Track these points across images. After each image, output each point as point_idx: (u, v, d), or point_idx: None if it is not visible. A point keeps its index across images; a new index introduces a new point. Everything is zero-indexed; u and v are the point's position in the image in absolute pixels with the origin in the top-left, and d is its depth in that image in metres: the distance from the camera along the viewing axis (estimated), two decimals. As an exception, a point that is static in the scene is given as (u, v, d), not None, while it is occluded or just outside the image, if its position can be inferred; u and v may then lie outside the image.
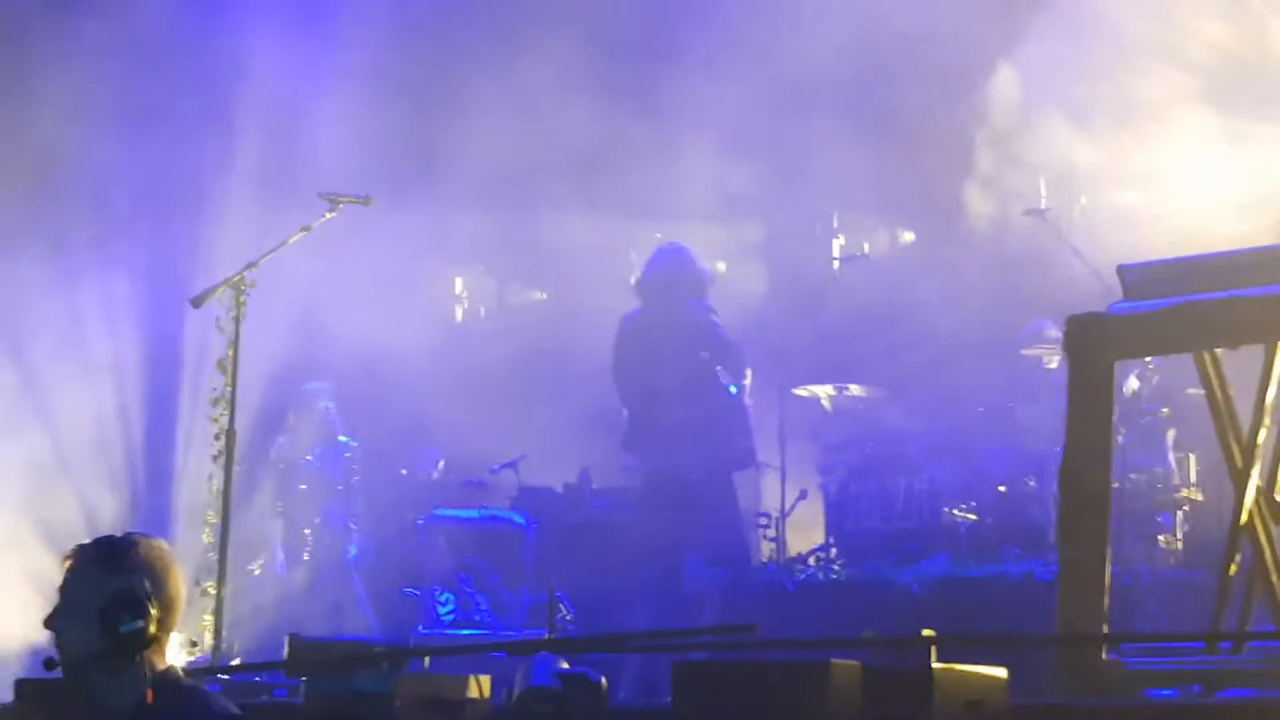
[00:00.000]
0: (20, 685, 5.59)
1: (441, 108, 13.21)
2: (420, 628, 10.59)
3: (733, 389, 10.07)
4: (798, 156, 13.08)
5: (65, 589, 3.93)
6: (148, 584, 3.88)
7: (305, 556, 10.92)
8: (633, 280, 10.56)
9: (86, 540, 4.02)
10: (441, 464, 13.25)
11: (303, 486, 10.99)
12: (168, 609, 3.92)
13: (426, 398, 13.20)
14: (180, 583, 4.00)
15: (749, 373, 10.33)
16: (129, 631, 3.83)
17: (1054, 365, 11.10)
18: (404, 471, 13.22)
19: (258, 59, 12.36)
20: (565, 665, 4.72)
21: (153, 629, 3.86)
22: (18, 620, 9.46)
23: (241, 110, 12.41)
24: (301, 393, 11.28)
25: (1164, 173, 11.85)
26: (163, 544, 4.01)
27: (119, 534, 4.02)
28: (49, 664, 3.90)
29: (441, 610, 10.79)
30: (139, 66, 12.31)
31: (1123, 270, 5.67)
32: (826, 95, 12.28)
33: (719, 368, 10.01)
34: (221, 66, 12.51)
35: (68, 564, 3.95)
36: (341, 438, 11.25)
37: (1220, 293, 5.34)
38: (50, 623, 3.91)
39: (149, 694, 3.85)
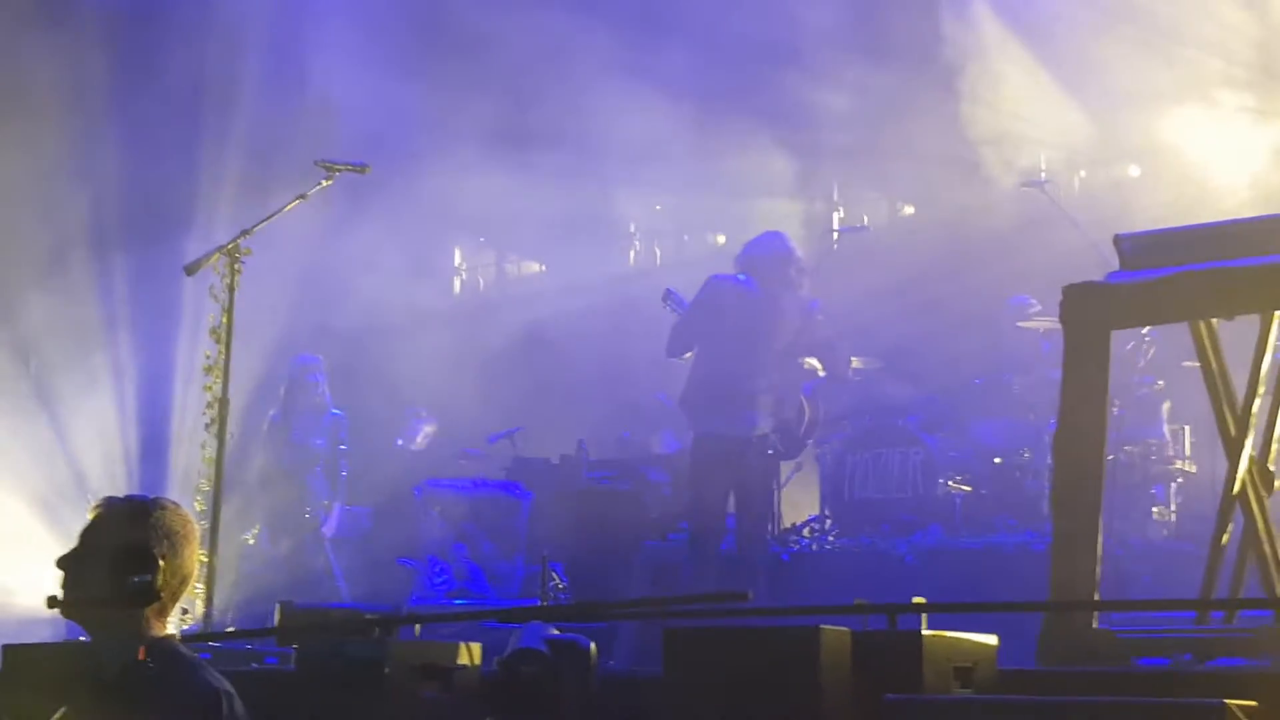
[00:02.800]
0: (8, 652, 5.57)
1: (440, 76, 13.17)
2: (414, 596, 10.59)
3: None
4: (794, 128, 13.05)
5: (85, 534, 4.00)
6: (165, 546, 3.95)
7: (290, 528, 10.91)
8: (729, 254, 10.36)
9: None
10: (424, 431, 13.25)
11: (291, 458, 10.97)
12: (177, 575, 3.98)
13: (423, 369, 13.20)
14: (195, 556, 4.08)
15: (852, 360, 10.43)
16: (137, 583, 3.89)
17: (1043, 332, 11.11)
18: (400, 442, 13.22)
19: (255, 24, 12.32)
20: (556, 632, 4.72)
21: (159, 587, 3.92)
22: (8, 586, 9.48)
23: (238, 76, 12.38)
24: (292, 365, 11.24)
25: (1165, 146, 11.86)
26: (188, 516, 4.10)
27: (148, 496, 4.11)
28: (51, 601, 3.97)
29: (436, 579, 10.79)
30: (134, 31, 12.28)
31: (1119, 240, 5.65)
32: (824, 65, 12.24)
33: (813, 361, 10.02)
34: (219, 32, 12.47)
35: (94, 512, 4.02)
36: (334, 410, 11.23)
37: (1216, 262, 5.32)
38: (63, 562, 3.98)
39: (141, 651, 3.89)
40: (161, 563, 3.93)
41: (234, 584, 9.83)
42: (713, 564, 9.16)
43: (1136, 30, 11.37)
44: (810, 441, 10.10)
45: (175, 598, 4.02)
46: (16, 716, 4.34)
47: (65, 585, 3.98)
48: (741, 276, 9.52)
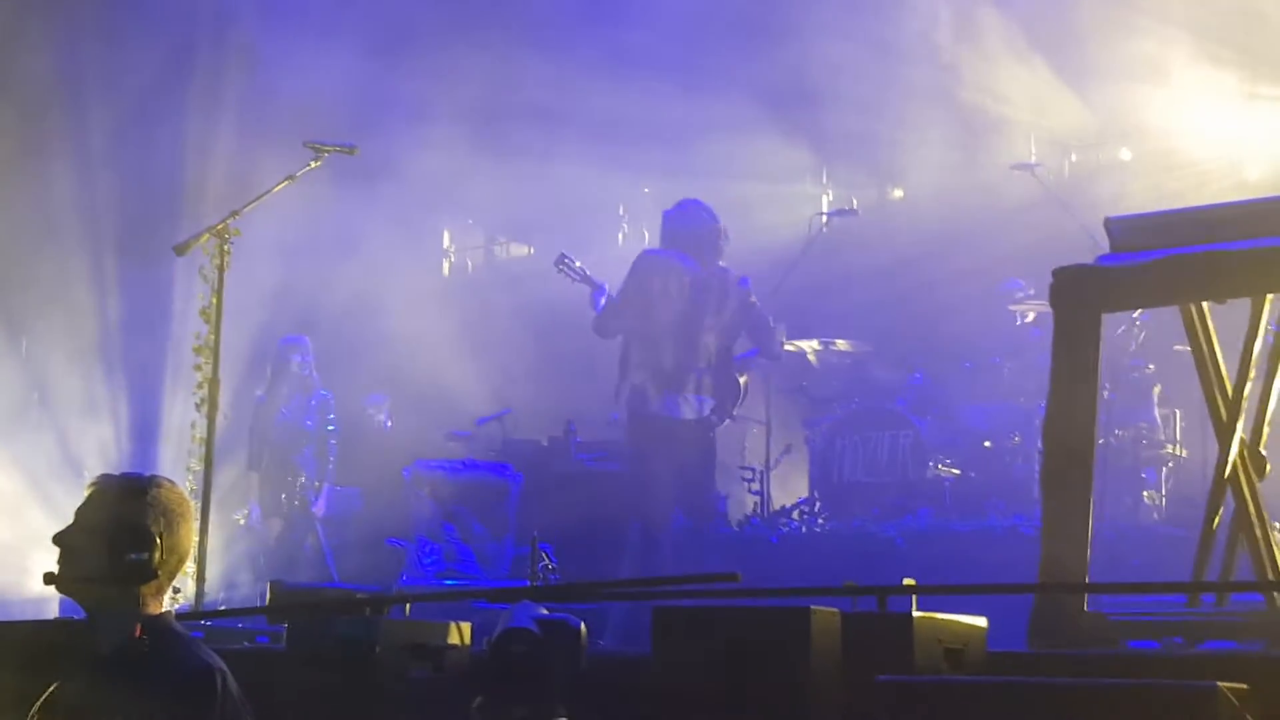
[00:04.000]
0: (-1, 629, 5.57)
1: (428, 57, 13.14)
2: (404, 577, 10.60)
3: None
4: (786, 111, 13.05)
5: (81, 511, 4.02)
6: (160, 524, 3.97)
7: (279, 508, 10.92)
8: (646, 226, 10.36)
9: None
10: (386, 408, 13.26)
11: (279, 439, 10.98)
12: (173, 553, 4.00)
13: (412, 350, 13.20)
14: (191, 535, 4.11)
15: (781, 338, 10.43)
16: (132, 561, 3.91)
17: (1031, 319, 11.13)
18: (389, 424, 13.21)
19: (244, 5, 12.29)
20: (545, 613, 4.71)
21: (154, 565, 3.94)
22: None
23: (226, 56, 12.34)
24: (278, 345, 11.24)
25: (1156, 129, 11.86)
26: (184, 494, 4.13)
27: (145, 474, 4.13)
28: (48, 578, 4.00)
29: (426, 560, 10.80)
30: (124, 13, 12.24)
31: (1110, 223, 5.64)
32: (814, 48, 12.24)
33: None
34: (207, 13, 12.43)
35: (91, 489, 4.04)
36: (322, 391, 11.22)
37: (1208, 246, 5.31)
38: (59, 538, 4.00)
39: (137, 628, 3.92)
40: (158, 540, 3.95)
41: (226, 564, 9.84)
42: (664, 547, 9.20)
43: (1127, 12, 11.37)
44: (737, 413, 10.07)
45: (172, 575, 4.04)
46: (7, 694, 4.33)
47: (61, 562, 4.00)
48: (674, 253, 9.44)
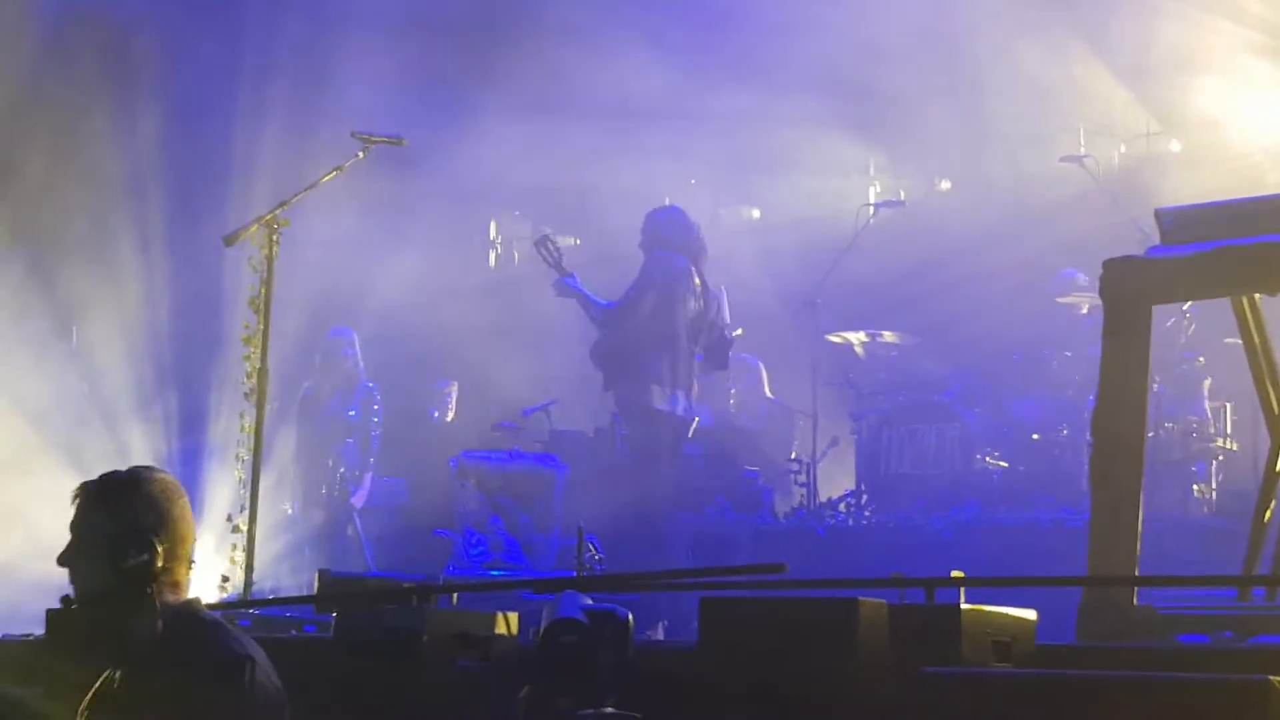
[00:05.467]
0: (52, 616, 5.59)
1: (477, 48, 13.16)
2: (450, 568, 10.63)
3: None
4: (834, 103, 13.00)
5: (74, 526, 3.91)
6: (152, 518, 3.86)
7: (320, 499, 10.98)
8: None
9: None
10: (452, 397, 13.29)
11: (324, 429, 11.04)
12: (175, 541, 3.89)
13: (459, 341, 13.22)
14: (187, 514, 3.95)
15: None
16: (135, 565, 3.82)
17: (1085, 311, 11.04)
18: (436, 414, 13.25)
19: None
20: (589, 602, 4.72)
21: (159, 562, 3.84)
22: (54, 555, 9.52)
23: (276, 49, 12.39)
24: (328, 337, 11.30)
25: (1207, 120, 11.77)
26: (167, 476, 3.98)
27: (123, 469, 4.00)
28: (65, 601, 3.91)
29: (472, 551, 10.83)
30: (176, 5, 12.31)
31: (1160, 214, 5.61)
32: (861, 39, 12.19)
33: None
34: (258, 5, 12.48)
35: (75, 501, 3.92)
36: (368, 382, 11.27)
37: (1259, 237, 5.27)
38: (63, 559, 3.90)
39: (159, 624, 3.84)
40: (154, 537, 3.84)
41: (273, 553, 9.89)
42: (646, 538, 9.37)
43: (1176, 3, 11.29)
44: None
45: (183, 561, 3.93)
46: (60, 680, 4.32)
47: (72, 582, 3.90)
48: (680, 256, 9.75)
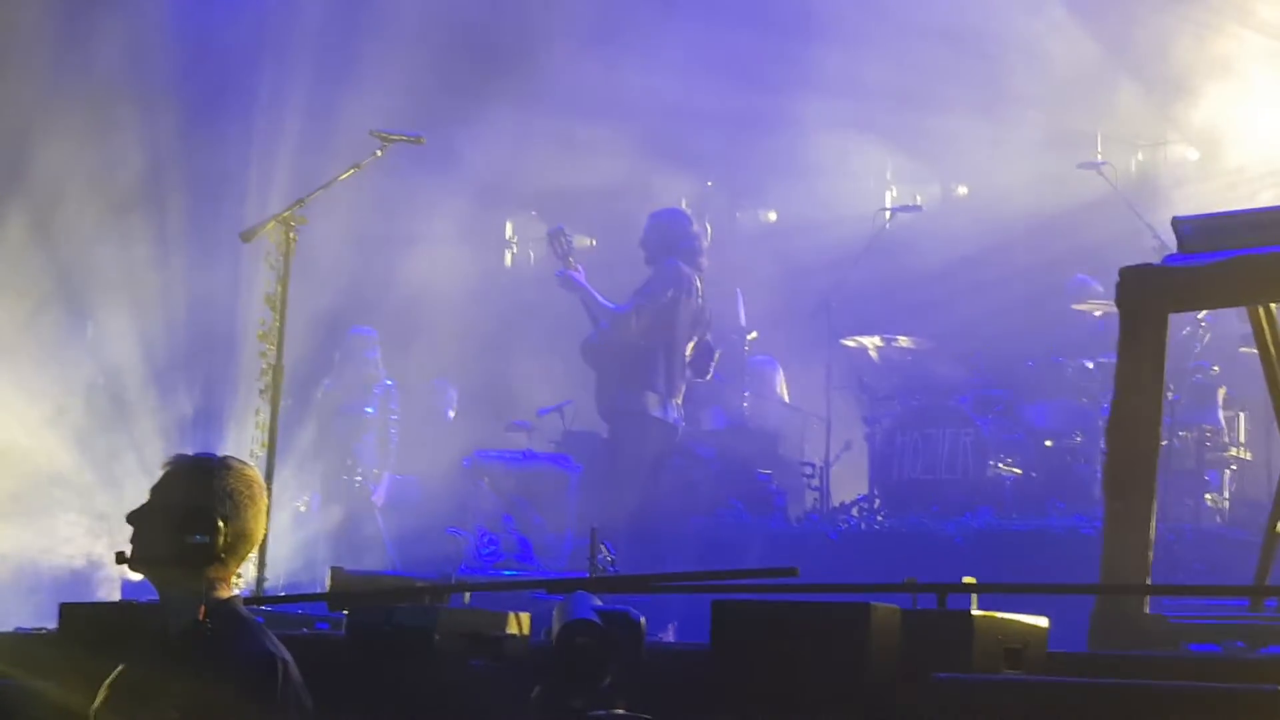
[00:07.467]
0: (65, 610, 5.62)
1: (493, 48, 13.18)
2: (463, 566, 10.65)
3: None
4: (851, 107, 13.00)
5: (153, 491, 4.04)
6: (227, 506, 3.97)
7: (339, 496, 11.01)
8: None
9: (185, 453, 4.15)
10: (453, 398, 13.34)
11: (342, 427, 11.06)
12: (240, 536, 4.00)
13: (474, 341, 13.24)
14: (261, 517, 4.08)
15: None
16: (195, 544, 3.92)
17: (1100, 317, 11.04)
18: (451, 414, 13.27)
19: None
20: (599, 603, 4.72)
21: (219, 549, 3.94)
22: (67, 548, 9.56)
23: (295, 45, 12.41)
24: (349, 336, 11.34)
25: (1224, 129, 11.74)
26: (256, 476, 4.11)
27: (218, 455, 4.15)
28: (119, 557, 4.02)
29: (484, 550, 10.84)
30: (194, 3, 12.33)
31: (1178, 223, 5.60)
32: (876, 42, 12.19)
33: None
34: (276, 2, 12.51)
35: (164, 469, 4.06)
36: (386, 381, 11.30)
37: (1276, 247, 5.26)
38: (132, 517, 4.03)
39: (201, 611, 3.92)
40: (221, 524, 3.94)
41: (287, 550, 9.91)
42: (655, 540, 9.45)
43: (1195, 10, 11.27)
44: None
45: (240, 559, 4.05)
46: (73, 674, 4.36)
47: (133, 541, 4.02)
48: (685, 264, 9.83)
